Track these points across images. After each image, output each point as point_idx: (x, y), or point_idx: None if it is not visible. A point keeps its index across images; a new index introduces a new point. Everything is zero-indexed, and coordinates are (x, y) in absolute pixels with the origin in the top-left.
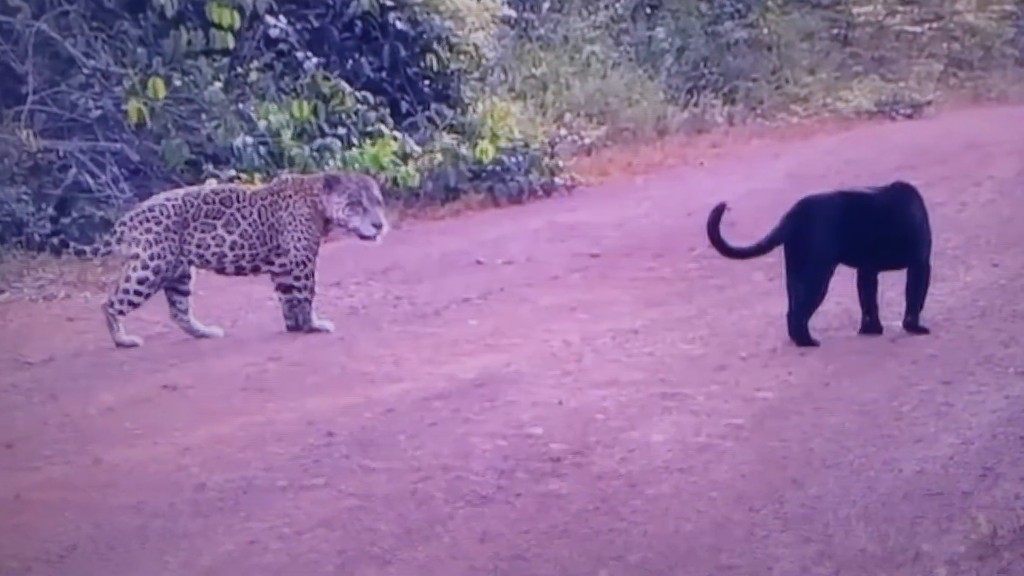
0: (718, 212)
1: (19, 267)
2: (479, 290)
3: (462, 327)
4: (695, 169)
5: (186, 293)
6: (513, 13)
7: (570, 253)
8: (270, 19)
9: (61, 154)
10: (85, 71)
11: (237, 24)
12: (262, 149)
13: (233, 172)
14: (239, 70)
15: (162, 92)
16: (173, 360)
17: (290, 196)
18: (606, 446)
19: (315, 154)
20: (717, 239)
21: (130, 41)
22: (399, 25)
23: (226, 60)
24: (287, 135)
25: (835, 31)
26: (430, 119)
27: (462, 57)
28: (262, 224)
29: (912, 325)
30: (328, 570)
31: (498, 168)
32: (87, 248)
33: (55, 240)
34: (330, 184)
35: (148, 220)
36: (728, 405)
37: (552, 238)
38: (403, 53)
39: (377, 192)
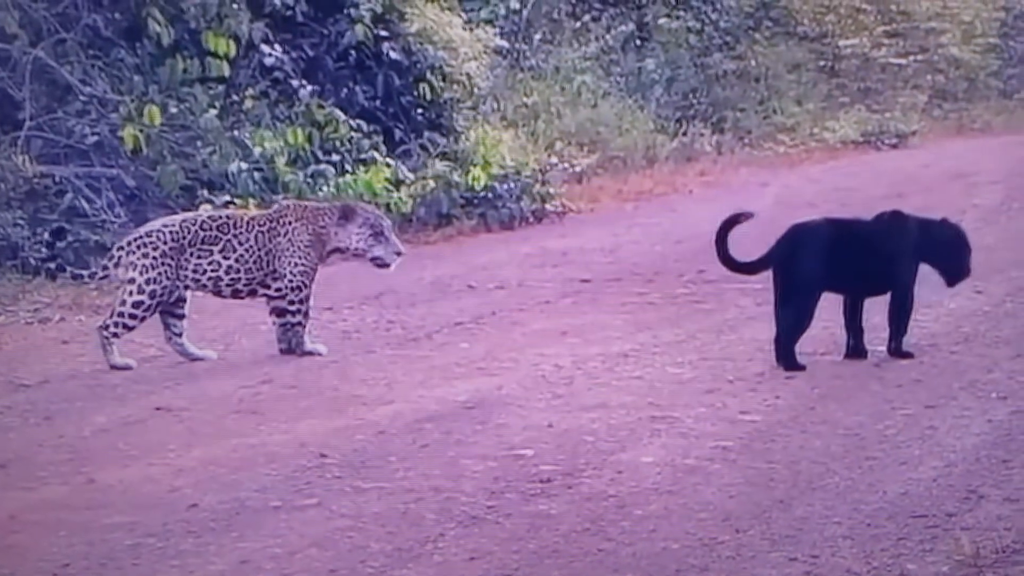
0: (731, 224)
1: (14, 290)
2: (471, 314)
3: (454, 351)
4: (684, 197)
5: (181, 317)
6: (505, 44)
7: (561, 278)
8: (265, 48)
9: (57, 179)
10: (82, 98)
11: (233, 53)
12: (257, 175)
13: (228, 198)
14: (234, 98)
15: (158, 119)
16: (167, 382)
17: (290, 222)
18: (596, 468)
19: (309, 180)
20: (722, 246)
21: (126, 69)
22: (393, 55)
23: (222, 88)
24: (281, 161)
25: (822, 63)
26: (423, 146)
27: (455, 86)
28: (259, 249)
29: (896, 350)
30: None
31: (490, 195)
32: (84, 272)
33: (51, 264)
34: (346, 215)
35: (145, 245)
36: (716, 428)
37: (543, 263)
38: (397, 82)
39: (388, 223)
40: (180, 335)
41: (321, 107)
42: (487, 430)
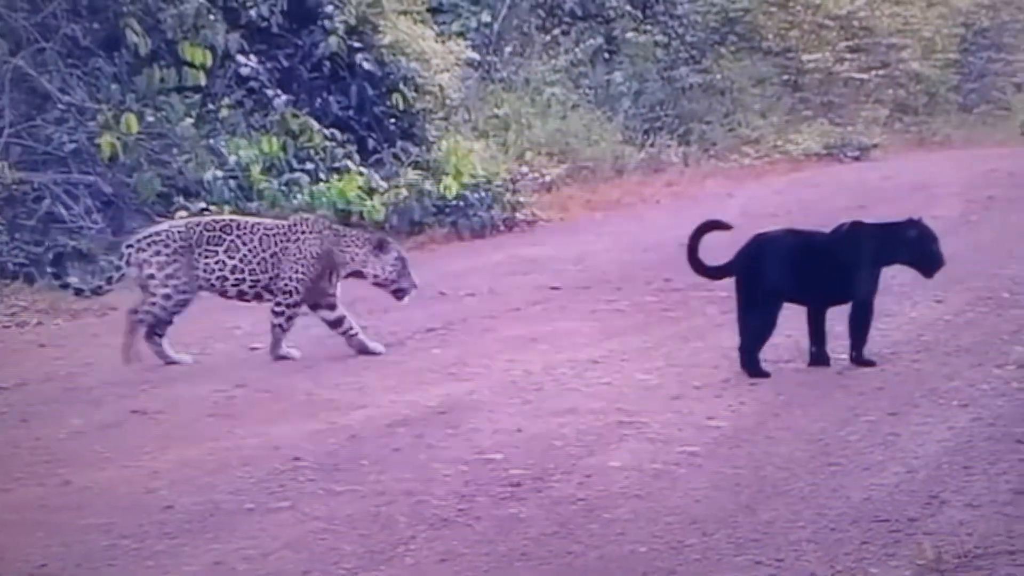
0: (707, 228)
1: None
2: (442, 320)
3: (426, 356)
4: (652, 207)
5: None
6: (477, 56)
7: (531, 286)
8: (241, 58)
9: (36, 186)
10: (60, 106)
11: (209, 62)
12: (232, 183)
13: (203, 205)
14: (210, 106)
15: (135, 127)
16: (143, 385)
17: (304, 232)
18: (565, 472)
19: (283, 188)
20: (693, 253)
21: (104, 78)
22: (367, 66)
23: (198, 97)
24: (256, 169)
25: (786, 77)
26: (396, 156)
27: (427, 97)
28: (264, 252)
29: (858, 358)
30: None
31: (461, 203)
32: (86, 288)
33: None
34: (381, 246)
35: (156, 243)
36: (683, 433)
37: (514, 271)
38: (370, 92)
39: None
40: (161, 336)
41: (296, 116)
42: (458, 434)
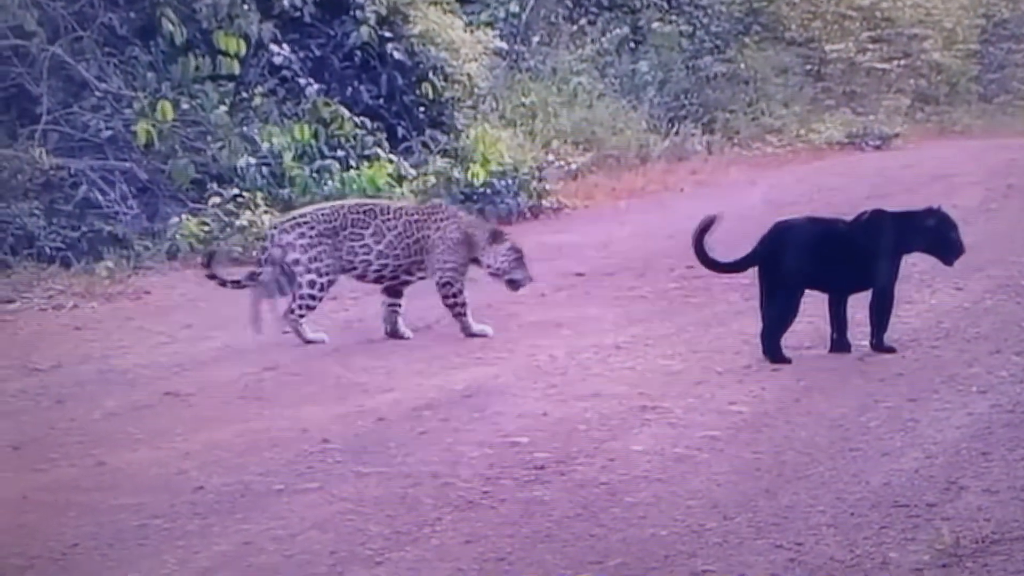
0: (707, 224)
1: (30, 278)
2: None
3: (452, 341)
4: (675, 195)
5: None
6: (504, 46)
7: (556, 272)
8: (274, 47)
9: (72, 172)
10: (97, 94)
11: (243, 52)
12: (264, 170)
13: (236, 191)
14: (244, 95)
15: (170, 114)
16: (175, 368)
17: (444, 219)
18: (588, 455)
19: (315, 175)
20: (700, 250)
21: (140, 66)
22: (397, 55)
23: (232, 85)
24: (288, 157)
25: (808, 67)
26: (424, 144)
27: (456, 86)
28: (408, 238)
29: (878, 345)
30: (320, 570)
31: (488, 191)
32: (220, 276)
33: (67, 253)
34: (495, 236)
35: (300, 225)
36: (704, 418)
37: (539, 258)
38: (400, 81)
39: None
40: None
41: (327, 105)
42: (484, 418)
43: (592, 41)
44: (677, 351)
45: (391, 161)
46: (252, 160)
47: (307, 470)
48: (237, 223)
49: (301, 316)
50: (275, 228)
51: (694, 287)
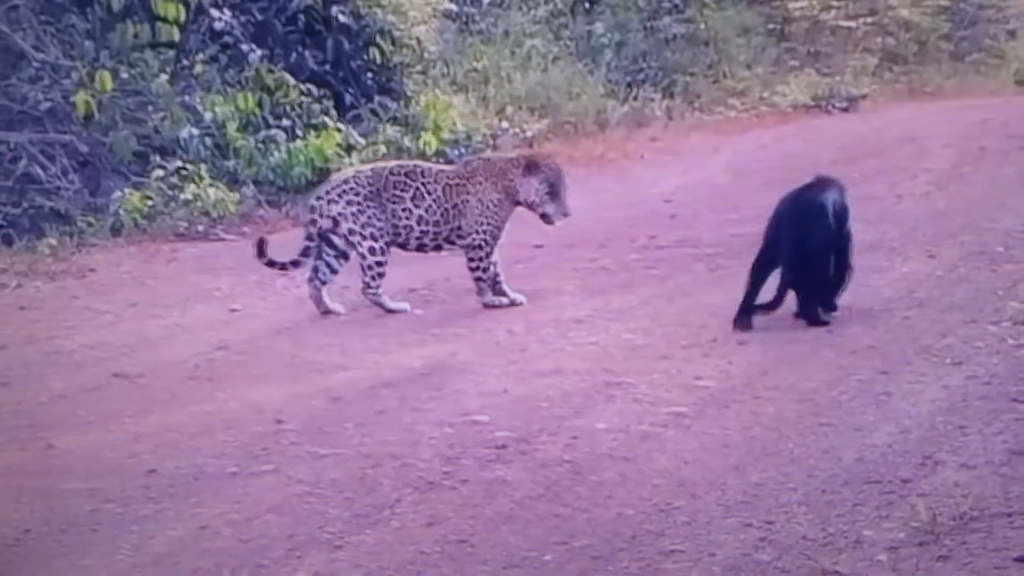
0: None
1: None
2: (424, 280)
3: (408, 317)
4: (635, 162)
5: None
6: (454, 7)
7: (513, 244)
8: (215, 12)
9: (12, 146)
10: (35, 64)
11: (182, 17)
12: (208, 140)
13: (179, 164)
14: (185, 63)
15: (109, 85)
16: (123, 348)
17: (481, 180)
18: (551, 434)
19: (260, 145)
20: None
21: (78, 34)
22: (342, 19)
23: (172, 53)
24: (232, 127)
25: (771, 26)
26: (373, 111)
27: (405, 51)
28: (447, 203)
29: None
30: (278, 555)
31: (441, 160)
32: (278, 261)
33: (8, 231)
34: (530, 167)
35: (347, 192)
36: (670, 394)
37: None
38: (346, 46)
39: (567, 180)
40: (324, 284)
41: (271, 72)
42: (443, 396)
43: (545, 1)
44: (640, 325)
45: (339, 130)
46: (195, 131)
47: (262, 452)
48: (181, 197)
49: (377, 286)
50: (320, 199)
51: (657, 258)
